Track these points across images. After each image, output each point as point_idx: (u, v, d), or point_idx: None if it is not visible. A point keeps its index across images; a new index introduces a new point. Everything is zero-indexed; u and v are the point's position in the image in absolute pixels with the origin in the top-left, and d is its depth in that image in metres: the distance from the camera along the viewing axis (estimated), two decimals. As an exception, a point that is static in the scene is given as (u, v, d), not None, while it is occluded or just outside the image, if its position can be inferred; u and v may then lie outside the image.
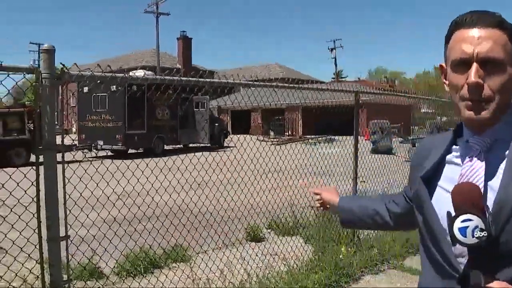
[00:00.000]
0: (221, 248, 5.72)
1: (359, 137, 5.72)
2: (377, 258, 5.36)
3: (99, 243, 4.12)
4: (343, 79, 71.26)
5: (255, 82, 4.86)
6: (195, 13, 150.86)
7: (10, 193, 2.93)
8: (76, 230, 3.62)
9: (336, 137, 27.23)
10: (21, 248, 3.08)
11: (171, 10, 51.79)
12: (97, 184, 4.10)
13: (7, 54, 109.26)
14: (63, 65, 2.67)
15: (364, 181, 6.56)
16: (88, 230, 3.97)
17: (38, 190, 2.60)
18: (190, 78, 3.80)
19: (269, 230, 6.76)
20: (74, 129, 29.96)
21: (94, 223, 4.51)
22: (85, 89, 21.16)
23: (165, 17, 48.71)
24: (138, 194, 4.13)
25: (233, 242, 5.87)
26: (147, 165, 4.32)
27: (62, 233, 2.72)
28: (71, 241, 2.89)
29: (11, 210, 2.91)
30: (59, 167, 2.66)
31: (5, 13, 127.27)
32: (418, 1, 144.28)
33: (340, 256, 5.19)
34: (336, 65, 63.57)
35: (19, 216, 3.01)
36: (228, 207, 5.41)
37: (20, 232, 3.11)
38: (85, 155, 18.47)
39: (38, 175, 2.60)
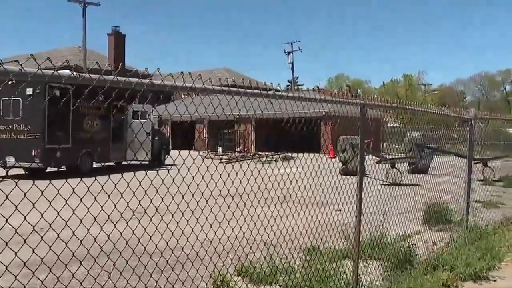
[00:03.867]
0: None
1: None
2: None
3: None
4: (299, 87, 68.48)
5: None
6: (130, 8, 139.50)
7: None
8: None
9: (294, 154, 24.65)
10: None
11: (102, 2, 44.64)
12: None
13: None
14: None
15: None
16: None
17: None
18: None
19: (239, 277, 5.43)
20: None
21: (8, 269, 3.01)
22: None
23: (93, 9, 43.85)
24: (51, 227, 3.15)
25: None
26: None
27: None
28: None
29: None
30: None
31: None
32: (384, 4, 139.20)
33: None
34: (293, 71, 60.22)
35: None
36: (181, 244, 4.35)
37: None
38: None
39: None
